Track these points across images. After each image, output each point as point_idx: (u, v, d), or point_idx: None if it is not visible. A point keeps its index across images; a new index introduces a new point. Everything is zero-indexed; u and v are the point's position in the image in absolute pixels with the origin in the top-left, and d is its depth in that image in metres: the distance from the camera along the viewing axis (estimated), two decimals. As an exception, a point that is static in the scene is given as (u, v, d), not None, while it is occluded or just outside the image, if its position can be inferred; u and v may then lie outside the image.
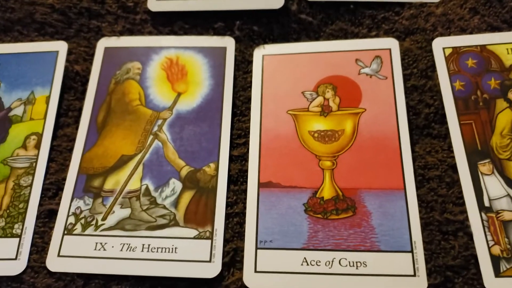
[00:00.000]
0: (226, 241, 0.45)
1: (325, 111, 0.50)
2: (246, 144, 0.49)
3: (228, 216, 0.46)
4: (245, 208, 0.46)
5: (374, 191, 0.45)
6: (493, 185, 0.44)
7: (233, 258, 0.44)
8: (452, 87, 0.49)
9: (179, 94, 0.52)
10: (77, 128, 0.51)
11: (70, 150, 0.50)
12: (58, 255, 0.45)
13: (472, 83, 0.49)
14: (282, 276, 0.42)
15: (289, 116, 0.50)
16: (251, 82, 0.52)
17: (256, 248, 0.44)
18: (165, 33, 0.56)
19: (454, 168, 0.46)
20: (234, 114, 0.51)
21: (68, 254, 0.45)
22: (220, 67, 0.53)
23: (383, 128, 0.48)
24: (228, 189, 0.47)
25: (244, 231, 0.45)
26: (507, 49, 0.50)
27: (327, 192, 0.46)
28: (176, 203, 0.46)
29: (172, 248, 0.44)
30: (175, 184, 0.47)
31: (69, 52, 0.56)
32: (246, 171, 0.48)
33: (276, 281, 0.42)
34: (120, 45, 0.56)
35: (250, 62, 0.54)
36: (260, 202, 0.46)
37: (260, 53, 0.54)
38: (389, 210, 0.44)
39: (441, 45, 0.52)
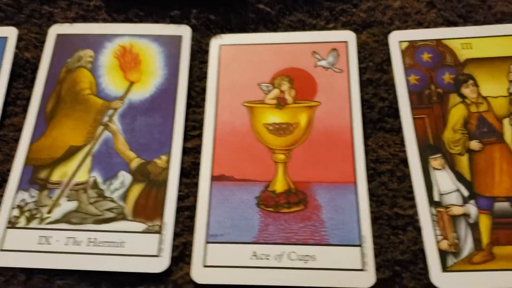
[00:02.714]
0: (176, 235, 0.44)
1: (280, 103, 0.49)
2: (200, 136, 0.48)
3: (179, 210, 0.45)
4: (196, 202, 0.45)
5: (326, 185, 0.45)
6: (444, 179, 0.44)
7: (182, 252, 0.43)
8: (407, 81, 0.49)
9: (131, 83, 0.51)
10: (25, 118, 0.49)
11: (17, 140, 0.48)
12: (1, 250, 0.43)
13: (426, 78, 0.49)
14: (230, 270, 0.42)
15: (244, 108, 0.49)
16: (207, 72, 0.51)
17: (206, 242, 0.43)
18: (119, 21, 0.55)
19: (406, 162, 0.46)
20: (188, 105, 0.50)
21: (11, 248, 0.43)
22: (175, 56, 0.52)
23: (337, 121, 0.48)
24: (180, 182, 0.46)
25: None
26: (462, 44, 0.50)
27: (279, 185, 0.46)
28: (125, 196, 0.45)
29: (119, 242, 0.43)
30: (125, 177, 0.46)
31: (19, 39, 0.53)
32: (199, 164, 0.47)
33: (224, 275, 0.42)
34: (73, 32, 0.54)
35: (207, 52, 0.53)
36: (212, 195, 0.45)
37: (217, 43, 0.53)
38: (339, 204, 0.44)
39: (397, 39, 0.51)
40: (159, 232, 0.44)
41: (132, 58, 0.52)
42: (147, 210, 0.45)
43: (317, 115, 0.49)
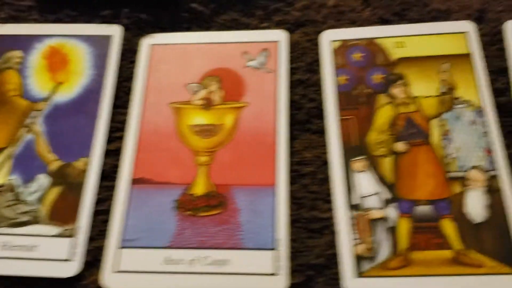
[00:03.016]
0: (91, 240, 0.43)
1: (207, 104, 0.48)
2: (123, 138, 0.47)
3: (96, 214, 0.44)
4: (113, 205, 0.44)
5: (247, 187, 0.44)
6: (365, 182, 0.43)
7: (96, 257, 0.42)
8: (336, 82, 0.48)
9: (58, 84, 0.50)
10: (-51, 119, 0.48)
11: None
12: None
13: (356, 78, 0.48)
14: (142, 276, 0.41)
15: (171, 109, 0.48)
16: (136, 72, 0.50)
17: (119, 247, 0.42)
18: (51, 21, 0.54)
19: (328, 164, 0.45)
20: (115, 106, 0.49)
21: None
22: (104, 56, 0.51)
23: (263, 123, 0.47)
24: (100, 185, 0.45)
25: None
26: (395, 42, 0.49)
27: (200, 188, 0.45)
28: (42, 200, 0.45)
29: (31, 246, 0.42)
30: (43, 180, 0.45)
31: (-50, 39, 0.53)
32: (120, 166, 0.46)
33: (135, 281, 0.41)
34: (3, 33, 0.53)
35: (137, 52, 0.52)
36: (131, 199, 0.44)
37: (148, 43, 0.52)
38: (258, 207, 0.43)
39: (329, 38, 0.50)
40: (73, 236, 0.43)
41: (61, 59, 0.52)
42: (63, 213, 0.44)
43: (243, 117, 0.48)
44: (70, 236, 0.43)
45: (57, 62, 0.51)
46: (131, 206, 0.44)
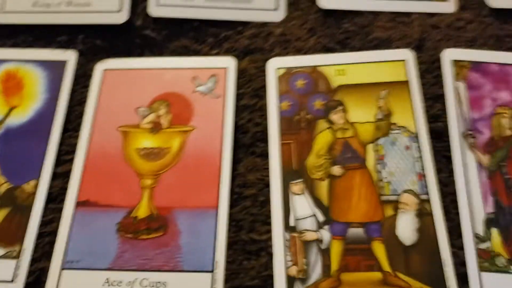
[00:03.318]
0: (34, 261, 0.44)
1: (155, 128, 0.50)
2: (73, 161, 0.49)
3: (41, 235, 0.45)
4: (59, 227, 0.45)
5: (189, 210, 0.46)
6: (301, 204, 0.45)
7: (38, 278, 0.44)
8: (279, 107, 0.50)
9: (11, 108, 0.52)
10: None
11: None
12: None
13: (298, 104, 0.50)
14: (82, 297, 0.42)
15: (119, 133, 0.50)
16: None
17: (62, 269, 0.43)
18: (8, 46, 0.56)
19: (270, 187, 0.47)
20: (66, 130, 0.51)
21: None
22: (58, 81, 0.53)
23: (209, 146, 0.49)
24: (46, 208, 0.46)
25: (54, 250, 0.44)
26: (336, 70, 0.52)
27: (142, 211, 0.46)
28: (-12, 221, 0.46)
29: (-25, 268, 0.43)
30: (-9, 202, 0.47)
31: None
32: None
33: (75, 301, 0.42)
34: (-40, 57, 0.55)
35: (91, 77, 0.53)
36: (75, 221, 0.46)
37: (102, 68, 0.54)
38: (198, 229, 0.45)
39: (275, 66, 0.52)
40: (17, 257, 0.44)
41: (16, 83, 0.53)
42: (8, 235, 0.45)
43: (190, 140, 0.49)
44: (14, 257, 0.44)
45: (12, 86, 0.53)
46: (74, 228, 0.45)
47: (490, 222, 0.44)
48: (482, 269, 0.42)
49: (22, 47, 0.55)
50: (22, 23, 0.56)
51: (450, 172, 0.46)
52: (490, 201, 0.44)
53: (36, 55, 0.55)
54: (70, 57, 0.54)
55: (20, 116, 0.51)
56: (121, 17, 0.55)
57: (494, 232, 0.43)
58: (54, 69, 0.54)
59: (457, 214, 0.44)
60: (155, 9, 0.56)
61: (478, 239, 0.43)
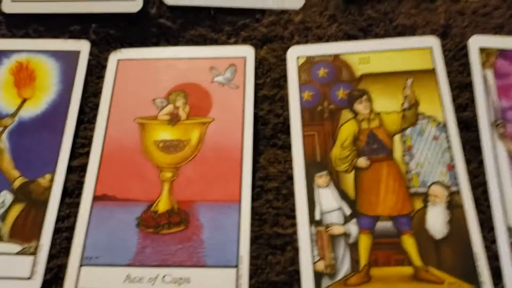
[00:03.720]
0: (52, 257, 0.43)
1: (173, 120, 0.48)
2: (89, 154, 0.47)
3: (58, 231, 0.44)
4: (76, 222, 0.44)
5: (210, 203, 0.44)
6: (327, 198, 0.44)
7: (56, 275, 0.42)
8: (300, 98, 0.48)
9: (24, 100, 0.50)
10: None
11: None
12: None
13: (320, 94, 0.48)
14: (102, 294, 0.41)
15: (136, 124, 0.48)
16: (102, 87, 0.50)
17: (80, 265, 0.42)
18: (19, 36, 0.54)
19: (293, 179, 0.45)
20: (81, 122, 0.49)
21: None
22: (71, 72, 0.51)
23: (229, 138, 0.47)
24: (62, 202, 0.45)
25: (72, 246, 0.43)
26: (360, 58, 0.50)
27: (162, 205, 0.45)
28: (4, 217, 0.44)
29: (-8, 265, 0.42)
30: (6, 196, 0.45)
31: None
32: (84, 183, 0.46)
33: (95, 299, 0.41)
34: (-30, 48, 0.53)
35: (105, 67, 0.52)
36: (92, 216, 0.44)
37: (116, 58, 0.52)
38: (221, 223, 0.43)
39: (295, 54, 0.51)
40: (34, 253, 0.42)
41: (28, 75, 0.51)
42: (25, 231, 0.44)
43: (209, 132, 0.48)
44: (31, 254, 0.42)
45: (23, 77, 0.51)
46: (92, 224, 0.44)
47: (524, 214, 0.42)
48: (517, 263, 0.40)
49: (33, 37, 0.54)
50: (33, 13, 0.54)
51: (480, 163, 0.45)
52: (524, 192, 0.43)
53: (48, 46, 0.53)
54: (83, 47, 0.52)
55: (33, 108, 0.50)
56: (136, 6, 0.53)
57: (529, 224, 0.42)
58: (67, 59, 0.52)
59: (489, 206, 0.43)
60: (170, -3, 0.54)
61: (511, 232, 0.41)
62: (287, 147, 0.47)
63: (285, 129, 0.48)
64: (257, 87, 0.50)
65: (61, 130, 0.48)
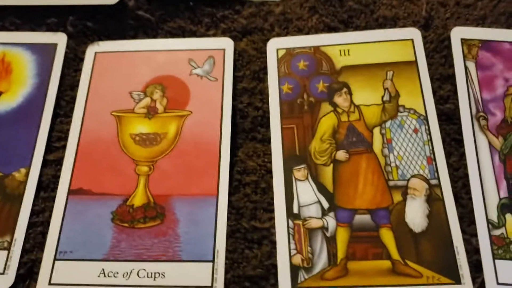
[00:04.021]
0: (25, 252, 0.42)
1: (150, 113, 0.48)
2: (65, 147, 0.46)
3: (32, 225, 0.43)
4: (51, 217, 0.43)
5: (187, 197, 0.44)
6: (305, 191, 0.43)
7: (30, 269, 0.42)
8: (280, 90, 0.48)
9: (0, 94, 0.49)
10: None
11: None
12: None
13: (300, 86, 0.48)
14: (76, 289, 0.40)
15: (113, 118, 0.48)
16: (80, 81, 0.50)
17: (54, 259, 0.41)
18: (-4, 29, 0.53)
19: (271, 173, 0.44)
20: (57, 115, 0.48)
21: None
22: (48, 65, 0.50)
23: (207, 132, 0.46)
24: (37, 196, 0.44)
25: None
26: (340, 50, 0.49)
27: (138, 199, 0.44)
28: (-23, 212, 0.43)
29: (-37, 261, 0.41)
30: (-20, 191, 0.44)
31: None
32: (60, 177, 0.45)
33: (68, 294, 0.40)
34: None
35: (82, 60, 0.51)
36: (67, 210, 0.43)
37: (93, 50, 0.51)
38: (197, 218, 0.43)
39: (275, 46, 0.50)
40: (7, 248, 0.42)
41: (4, 68, 0.51)
42: (-2, 226, 0.43)
43: (187, 125, 0.47)
44: (5, 248, 0.42)
45: (-1, 71, 0.50)
46: (67, 218, 0.43)
47: (504, 208, 0.42)
48: (496, 256, 0.40)
49: (10, 30, 0.53)
50: (8, 4, 0.53)
51: (461, 156, 0.44)
52: (504, 185, 0.42)
53: (24, 38, 0.52)
54: (60, 40, 0.52)
55: (9, 102, 0.49)
56: (114, -3, 0.52)
57: (509, 217, 0.41)
58: (44, 52, 0.51)
59: (469, 199, 0.42)
60: (149, -11, 0.53)
61: (492, 225, 0.41)
62: (266, 141, 0.46)
63: (265, 122, 0.47)
64: (236, 80, 0.49)
65: (37, 123, 0.47)
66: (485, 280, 0.39)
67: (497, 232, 0.41)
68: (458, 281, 0.39)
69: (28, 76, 0.50)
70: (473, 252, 0.40)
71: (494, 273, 0.39)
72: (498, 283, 0.39)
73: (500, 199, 0.42)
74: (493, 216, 0.41)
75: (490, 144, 0.44)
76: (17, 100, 0.49)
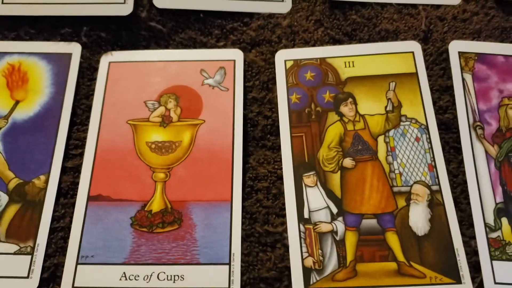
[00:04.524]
0: (47, 256, 0.44)
1: (165, 121, 0.50)
2: (82, 155, 0.48)
3: (53, 231, 0.45)
4: (71, 222, 0.45)
5: (202, 203, 0.46)
6: (315, 197, 0.45)
7: (53, 273, 0.43)
8: (289, 100, 0.50)
9: (17, 102, 0.51)
10: None
11: None
12: None
13: (307, 96, 0.50)
14: (99, 292, 0.42)
15: (128, 126, 0.50)
16: (94, 90, 0.51)
17: (77, 264, 0.43)
18: (10, 38, 0.54)
19: (282, 179, 0.47)
20: (73, 124, 0.50)
21: None
22: (63, 74, 0.52)
23: (219, 140, 0.49)
24: (57, 203, 0.46)
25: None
26: (345, 62, 0.52)
27: (156, 205, 0.46)
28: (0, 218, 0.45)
29: (-12, 265, 0.43)
30: (1, 198, 0.46)
31: None
32: (78, 183, 0.47)
33: (92, 297, 0.42)
34: (-39, 50, 0.53)
35: (96, 69, 0.53)
36: (87, 216, 0.45)
37: (107, 60, 0.53)
38: (213, 222, 0.45)
39: (283, 58, 0.52)
40: (30, 253, 0.44)
41: (20, 77, 0.52)
42: (21, 231, 0.45)
43: (200, 133, 0.49)
44: (28, 253, 0.43)
45: (16, 80, 0.52)
46: (87, 223, 0.45)
47: (500, 212, 0.44)
48: (493, 257, 0.43)
49: (25, 39, 0.54)
50: (23, 15, 0.54)
51: (460, 163, 0.47)
52: (500, 191, 0.45)
53: (40, 48, 0.54)
54: (74, 49, 0.53)
55: (26, 111, 0.50)
56: (126, 9, 0.54)
57: (504, 221, 0.44)
58: (59, 62, 0.53)
59: (468, 204, 0.45)
60: (160, 0, 0.55)
61: (489, 228, 0.44)
62: (276, 148, 0.49)
63: (274, 130, 0.49)
64: (246, 90, 0.51)
65: (55, 131, 0.49)
66: (483, 280, 0.42)
67: (494, 235, 0.44)
68: (459, 281, 0.42)
69: (44, 85, 0.51)
70: (472, 253, 0.43)
71: (492, 273, 0.42)
72: (495, 283, 0.42)
73: (496, 203, 0.45)
74: (490, 220, 0.44)
75: (486, 152, 0.47)
76: (34, 108, 0.50)
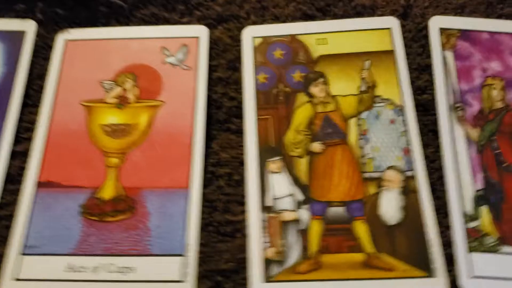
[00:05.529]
0: (-9, 246, 0.41)
1: (121, 103, 0.46)
2: (33, 138, 0.45)
3: (-2, 219, 0.42)
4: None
5: (159, 190, 0.43)
6: (279, 183, 0.42)
7: (-6, 265, 0.40)
8: (255, 80, 0.47)
9: (-35, 83, 0.47)
10: None
11: None
12: None
13: (276, 76, 0.47)
14: (43, 284, 0.39)
15: (82, 107, 0.46)
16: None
17: (20, 254, 0.40)
18: (-39, 15, 0.51)
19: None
20: (25, 105, 0.47)
21: None
22: (16, 53, 0.49)
23: (179, 122, 0.45)
24: (4, 189, 0.43)
25: (13, 235, 0.41)
26: (317, 39, 0.48)
27: (108, 192, 0.43)
28: None
29: None
30: None
31: None
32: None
33: (35, 290, 0.39)
34: None
35: (52, 48, 0.49)
36: (35, 203, 0.42)
37: (63, 38, 0.50)
38: (169, 211, 0.41)
39: (251, 35, 0.49)
40: (-29, 243, 0.40)
41: (-31, 56, 0.49)
42: (-38, 220, 0.41)
43: (159, 116, 0.46)
44: (-32, 244, 0.40)
45: (-35, 59, 0.49)
46: (35, 211, 0.42)
47: (479, 200, 0.41)
48: (471, 249, 0.39)
49: (-23, 16, 0.51)
50: (-25, -10, 0.51)
51: (437, 147, 0.44)
52: (480, 177, 0.42)
53: (-8, 25, 0.50)
54: (28, 27, 0.50)
55: (-25, 91, 0.47)
56: (84, -17, 0.50)
57: (484, 210, 0.41)
58: (12, 40, 0.50)
59: (445, 191, 0.42)
60: (121, -26, 0.52)
61: (467, 217, 0.40)
62: (241, 132, 0.45)
63: (240, 113, 0.46)
64: (211, 69, 0.48)
65: (4, 113, 0.46)
66: (459, 272, 0.39)
67: (472, 225, 0.40)
68: (431, 274, 0.38)
69: (-5, 65, 0.48)
70: (448, 245, 0.40)
71: (469, 266, 0.39)
72: (472, 276, 0.39)
73: (476, 191, 0.41)
74: (468, 208, 0.41)
75: (467, 135, 0.44)
76: (-16, 89, 0.47)
